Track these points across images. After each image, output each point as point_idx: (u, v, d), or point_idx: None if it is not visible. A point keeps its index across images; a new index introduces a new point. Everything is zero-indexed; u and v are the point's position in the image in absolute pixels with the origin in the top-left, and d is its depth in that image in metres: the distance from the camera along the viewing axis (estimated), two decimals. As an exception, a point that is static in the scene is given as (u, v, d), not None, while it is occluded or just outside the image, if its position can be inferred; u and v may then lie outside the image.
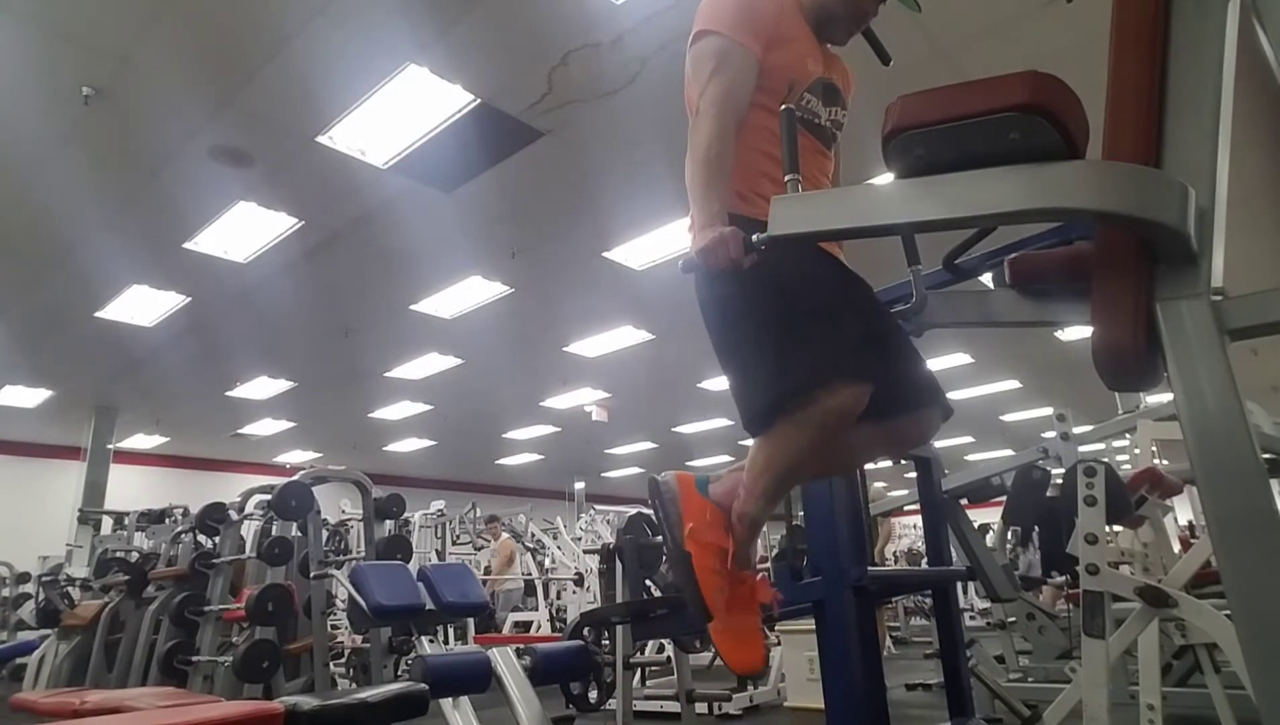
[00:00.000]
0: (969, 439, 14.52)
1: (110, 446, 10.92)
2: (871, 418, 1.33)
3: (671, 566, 1.45)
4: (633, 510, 5.95)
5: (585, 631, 3.47)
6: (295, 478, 4.44)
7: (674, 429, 13.08)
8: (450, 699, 2.61)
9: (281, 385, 10.07)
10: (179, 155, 4.94)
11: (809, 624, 2.35)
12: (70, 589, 7.37)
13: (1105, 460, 2.09)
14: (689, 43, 1.50)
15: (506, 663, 2.62)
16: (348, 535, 8.00)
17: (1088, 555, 1.94)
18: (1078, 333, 7.71)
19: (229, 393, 10.31)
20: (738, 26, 1.45)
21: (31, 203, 5.45)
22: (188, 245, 6.09)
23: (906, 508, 3.74)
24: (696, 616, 1.37)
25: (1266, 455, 2.50)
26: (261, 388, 10.13)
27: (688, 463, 15.31)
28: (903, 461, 2.45)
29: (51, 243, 6.06)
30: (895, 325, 1.55)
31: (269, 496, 4.45)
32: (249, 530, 5.41)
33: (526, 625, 7.86)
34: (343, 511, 8.38)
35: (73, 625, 5.32)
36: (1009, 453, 8.40)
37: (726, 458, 14.31)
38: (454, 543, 9.36)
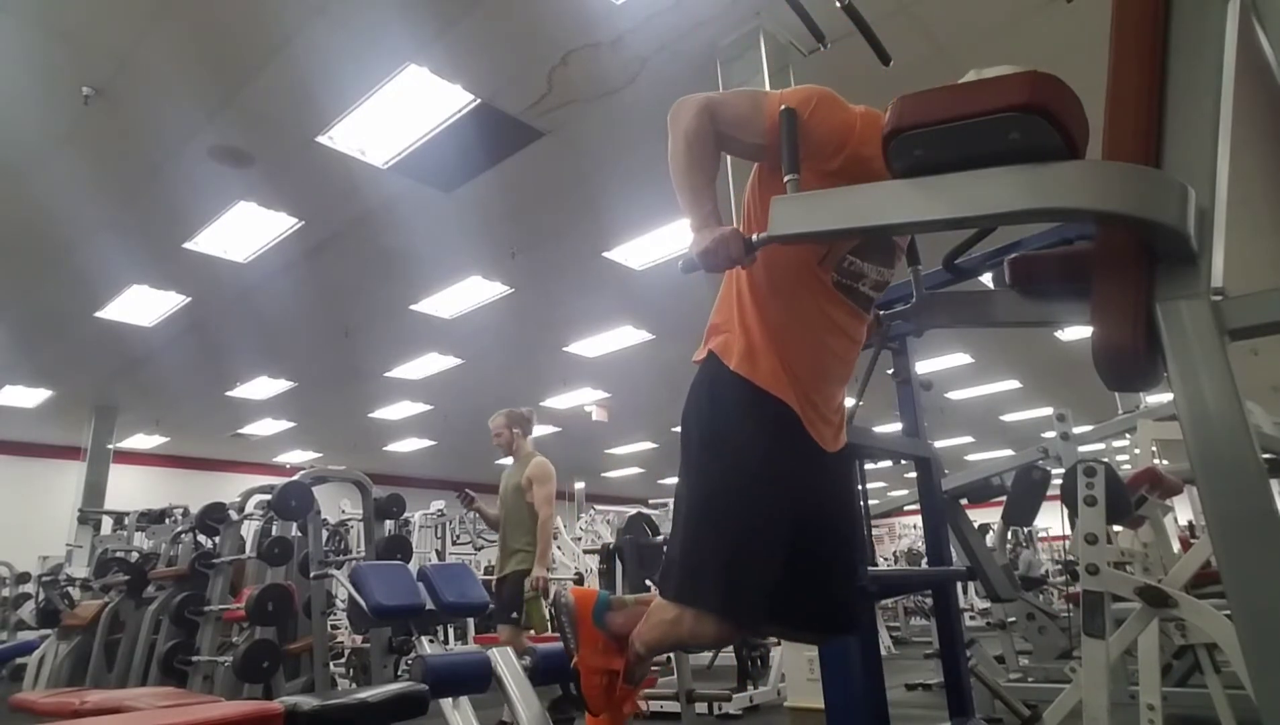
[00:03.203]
0: (969, 439, 14.51)
1: (110, 446, 10.91)
2: (774, 623, 1.46)
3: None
4: (632, 510, 5.96)
5: (585, 632, 3.46)
6: (295, 478, 4.44)
7: (674, 429, 13.00)
8: (450, 699, 2.61)
9: (281, 385, 10.07)
10: (179, 155, 4.94)
11: (809, 624, 2.34)
12: (70, 589, 7.37)
13: (1105, 460, 2.09)
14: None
15: (506, 663, 2.62)
16: (348, 535, 8.00)
17: (1088, 555, 1.94)
18: (1078, 333, 7.70)
19: (229, 393, 10.30)
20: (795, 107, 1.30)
21: (31, 203, 5.45)
22: (188, 245, 6.08)
23: (906, 508, 3.74)
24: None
25: (1266, 455, 2.50)
26: (261, 388, 10.12)
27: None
28: (903, 462, 2.45)
29: (51, 243, 6.06)
30: (842, 545, 1.52)
31: (269, 496, 4.44)
32: (249, 530, 5.41)
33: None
34: (343, 511, 8.38)
35: (73, 625, 5.31)
36: (1009, 453, 8.38)
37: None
38: (454, 543, 9.36)
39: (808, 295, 1.41)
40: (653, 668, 1.66)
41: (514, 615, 3.78)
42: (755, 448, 1.36)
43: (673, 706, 3.91)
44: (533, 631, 3.72)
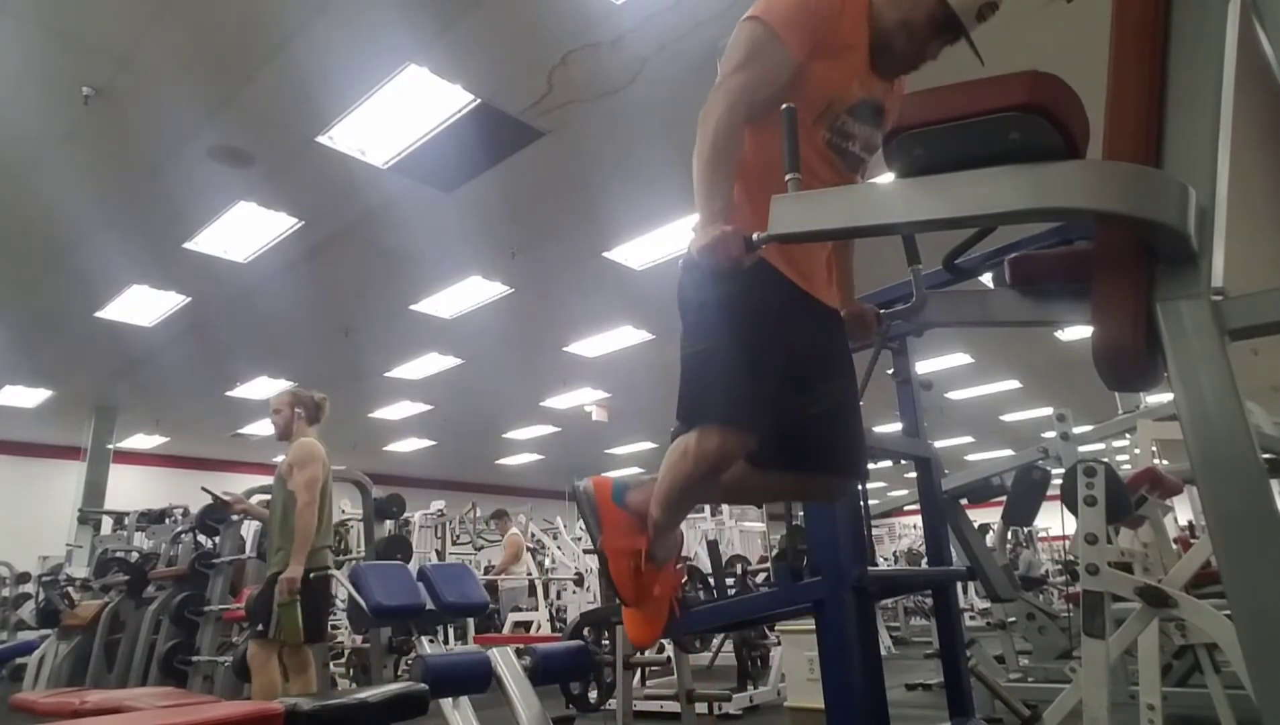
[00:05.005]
0: (969, 439, 14.52)
1: (110, 446, 10.91)
2: (778, 466, 1.46)
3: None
4: (633, 510, 5.95)
5: (585, 631, 3.46)
6: (295, 478, 4.43)
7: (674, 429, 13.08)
8: (450, 699, 2.61)
9: (281, 385, 10.06)
10: (179, 155, 4.94)
11: (809, 624, 2.35)
12: (70, 589, 7.37)
13: (1105, 460, 2.09)
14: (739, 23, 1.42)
15: (506, 663, 2.62)
16: (348, 535, 7.99)
17: (1088, 555, 1.94)
18: (1078, 333, 7.70)
19: (229, 393, 10.31)
20: (787, 23, 1.36)
21: (31, 203, 5.45)
22: (188, 245, 6.08)
23: (906, 508, 3.74)
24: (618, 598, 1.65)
25: (1266, 455, 2.50)
26: (261, 388, 10.12)
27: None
28: (903, 462, 2.46)
29: (51, 243, 6.06)
30: (839, 386, 1.55)
31: (269, 496, 4.44)
32: (249, 530, 5.41)
33: (526, 625, 7.86)
34: (343, 511, 8.37)
35: (73, 625, 5.32)
36: (1009, 453, 8.38)
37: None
38: (454, 543, 9.35)
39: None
40: (680, 561, 1.65)
41: (259, 627, 3.22)
42: (749, 296, 1.37)
43: (673, 706, 3.91)
44: (286, 644, 3.24)
